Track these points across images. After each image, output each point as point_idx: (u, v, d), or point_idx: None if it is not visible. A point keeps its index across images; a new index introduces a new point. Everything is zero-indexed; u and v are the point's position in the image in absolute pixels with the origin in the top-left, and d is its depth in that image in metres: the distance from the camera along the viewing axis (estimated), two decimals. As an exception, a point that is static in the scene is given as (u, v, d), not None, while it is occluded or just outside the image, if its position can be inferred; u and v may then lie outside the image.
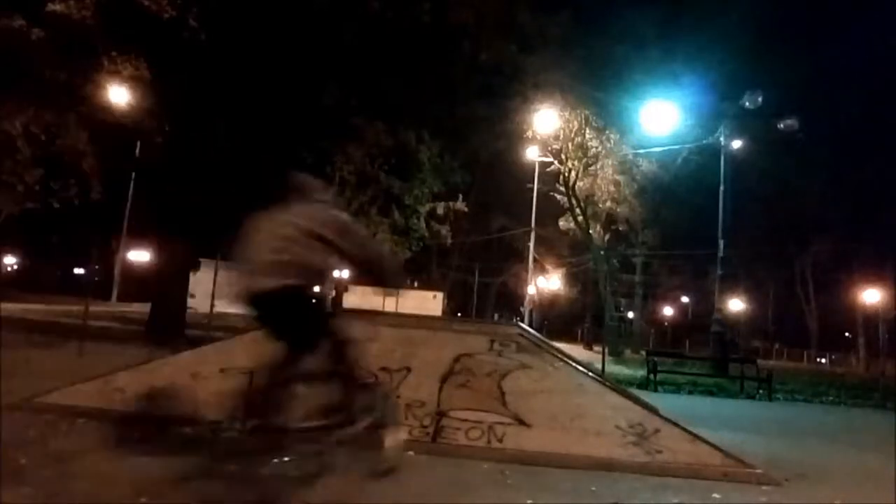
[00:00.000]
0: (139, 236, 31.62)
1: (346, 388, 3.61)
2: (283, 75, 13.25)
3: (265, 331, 3.61)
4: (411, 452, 4.58)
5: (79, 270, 42.62)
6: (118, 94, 12.98)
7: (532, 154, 27.04)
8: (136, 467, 3.86)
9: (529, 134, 24.58)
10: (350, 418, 3.58)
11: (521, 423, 4.87)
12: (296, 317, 3.52)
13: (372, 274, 3.87)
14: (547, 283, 41.90)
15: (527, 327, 10.07)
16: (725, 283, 19.04)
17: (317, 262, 3.54)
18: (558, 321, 46.76)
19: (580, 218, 27.09)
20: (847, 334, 46.25)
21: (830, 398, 13.37)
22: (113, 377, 5.31)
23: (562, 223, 29.46)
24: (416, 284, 41.21)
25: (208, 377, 5.23)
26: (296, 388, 3.57)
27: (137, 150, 16.77)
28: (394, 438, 3.77)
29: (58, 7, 10.41)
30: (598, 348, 27.16)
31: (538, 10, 18.48)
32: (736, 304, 41.27)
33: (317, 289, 3.72)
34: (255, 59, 12.63)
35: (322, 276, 3.62)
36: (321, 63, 13.70)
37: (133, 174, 27.88)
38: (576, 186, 26.02)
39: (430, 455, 4.57)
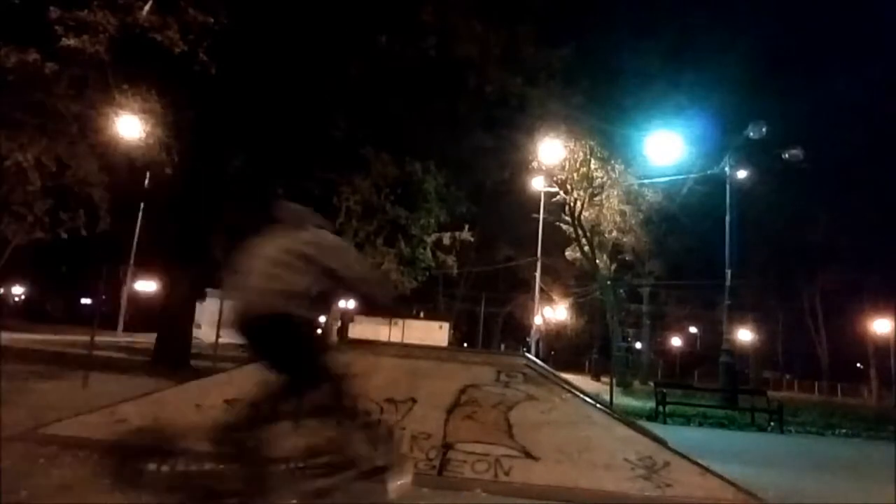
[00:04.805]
0: (146, 267, 31.78)
1: (344, 426, 3.34)
2: (292, 108, 13.45)
3: (259, 361, 3.36)
4: (418, 486, 4.51)
5: (86, 300, 42.77)
6: (129, 127, 13.17)
7: (537, 184, 27.15)
8: (139, 501, 3.81)
9: (535, 164, 24.74)
10: (350, 460, 3.33)
11: (529, 455, 4.80)
12: (287, 345, 3.29)
13: (363, 295, 3.72)
14: (553, 313, 41.70)
15: (534, 358, 9.99)
16: (734, 313, 18.87)
17: (306, 285, 3.32)
18: (565, 352, 46.44)
19: (586, 248, 27.07)
20: (858, 365, 45.71)
21: (843, 430, 13.14)
22: (116, 408, 5.28)
23: (568, 253, 29.44)
24: (421, 314, 41.07)
25: (213, 408, 5.19)
26: (286, 424, 3.29)
27: (147, 182, 16.96)
28: (397, 484, 3.37)
29: (71, 42, 10.61)
30: (605, 379, 26.91)
31: (543, 44, 18.70)
32: (745, 335, 40.89)
33: (322, 319, 3.62)
34: (265, 92, 12.84)
35: (310, 300, 3.34)
36: (329, 96, 13.91)
37: (142, 205, 28.16)
38: (581, 216, 26.06)
39: (435, 489, 4.49)
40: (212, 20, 11.25)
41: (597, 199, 25.41)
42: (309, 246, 3.39)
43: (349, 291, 3.78)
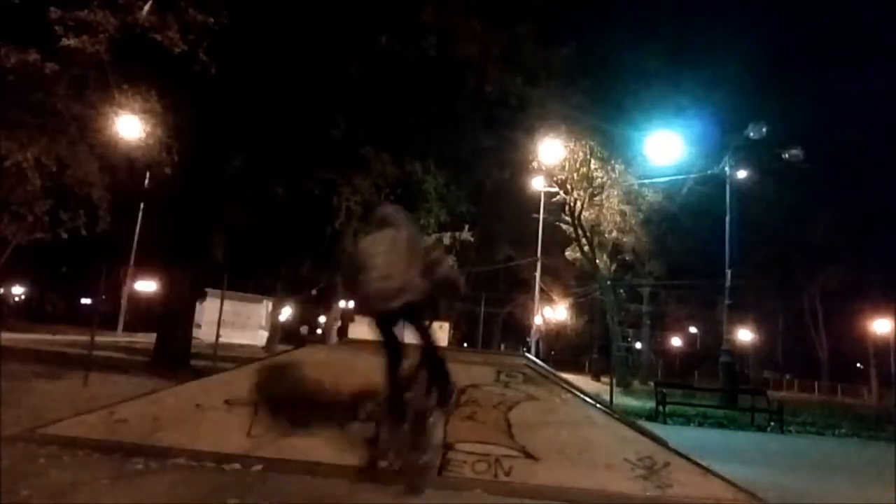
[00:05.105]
0: (146, 266, 31.81)
1: (439, 373, 4.51)
2: (292, 108, 13.44)
3: (386, 340, 4.43)
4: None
5: (86, 300, 42.81)
6: (129, 127, 13.17)
7: (538, 184, 27.18)
8: (138, 500, 3.82)
9: (535, 164, 24.76)
10: (445, 396, 4.56)
11: (529, 456, 4.79)
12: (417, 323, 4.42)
13: (451, 290, 4.84)
14: (553, 313, 41.73)
15: (534, 358, 9.98)
16: (734, 312, 18.88)
17: (418, 283, 4.32)
18: (565, 351, 46.48)
19: (586, 248, 27.08)
20: (859, 365, 45.76)
21: (843, 430, 13.14)
22: (116, 408, 5.28)
23: (568, 253, 29.47)
24: (421, 314, 40.83)
25: (213, 408, 5.20)
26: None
27: (147, 182, 16.96)
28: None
29: (71, 42, 10.60)
30: (605, 379, 26.91)
31: (543, 44, 18.67)
32: (745, 335, 40.93)
33: (322, 319, 4.05)
34: (264, 92, 12.83)
35: (423, 292, 4.37)
36: (329, 96, 13.90)
37: (142, 205, 28.18)
38: (581, 216, 26.08)
39: (435, 489, 4.48)
40: (212, 20, 11.23)
41: (597, 199, 25.43)
42: (418, 257, 4.40)
43: (441, 287, 4.73)
